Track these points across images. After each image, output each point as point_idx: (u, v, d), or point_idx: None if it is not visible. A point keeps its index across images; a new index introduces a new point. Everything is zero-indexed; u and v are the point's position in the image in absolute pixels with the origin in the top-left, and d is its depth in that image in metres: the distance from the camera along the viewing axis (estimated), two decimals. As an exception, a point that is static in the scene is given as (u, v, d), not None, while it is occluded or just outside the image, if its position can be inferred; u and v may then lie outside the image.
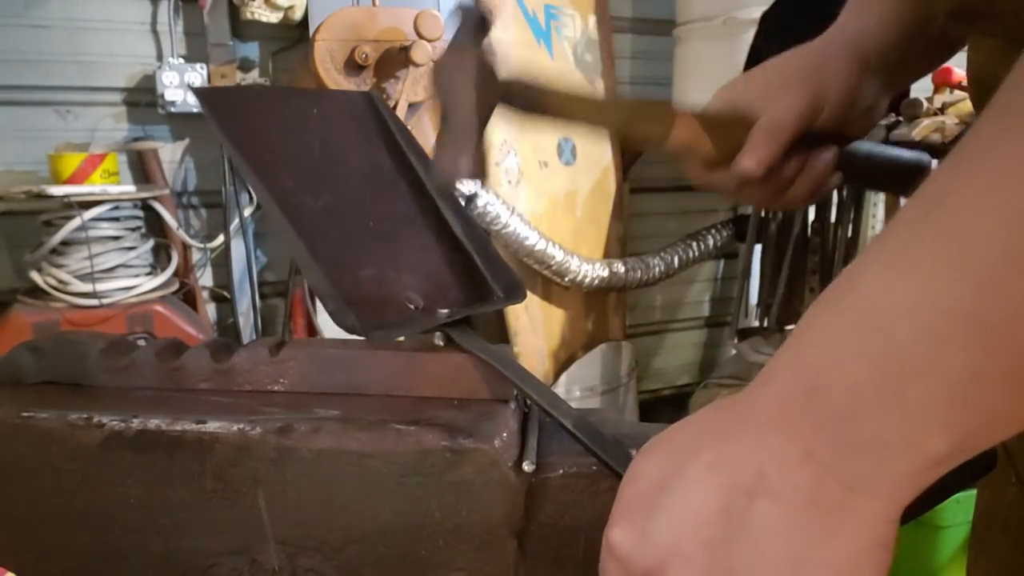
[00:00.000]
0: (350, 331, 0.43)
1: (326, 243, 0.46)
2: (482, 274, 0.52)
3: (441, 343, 0.48)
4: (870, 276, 0.28)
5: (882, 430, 0.26)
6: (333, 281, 0.44)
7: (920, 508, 0.30)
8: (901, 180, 0.60)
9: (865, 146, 0.57)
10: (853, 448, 0.27)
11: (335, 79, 1.62)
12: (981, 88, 0.46)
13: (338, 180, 0.49)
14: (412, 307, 0.47)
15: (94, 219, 1.70)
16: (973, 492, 0.57)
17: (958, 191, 0.26)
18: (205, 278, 2.09)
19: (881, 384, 0.26)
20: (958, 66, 1.82)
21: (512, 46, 2.02)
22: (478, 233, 0.54)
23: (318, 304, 2.09)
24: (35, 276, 1.72)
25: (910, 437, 0.26)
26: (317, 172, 0.49)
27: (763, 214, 2.10)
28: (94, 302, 1.71)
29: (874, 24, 0.53)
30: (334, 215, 0.47)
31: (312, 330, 2.07)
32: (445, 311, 0.48)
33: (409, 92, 1.64)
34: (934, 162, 0.57)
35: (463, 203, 1.81)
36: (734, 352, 2.39)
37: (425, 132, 1.78)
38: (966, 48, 0.49)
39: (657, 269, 2.32)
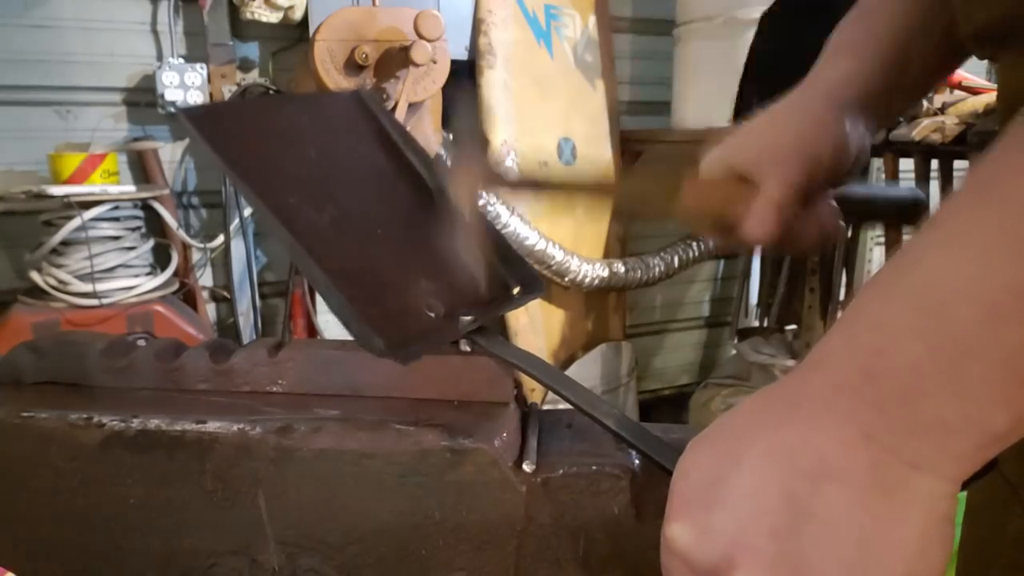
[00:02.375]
0: (378, 355, 0.42)
1: (339, 260, 0.44)
2: (497, 270, 0.51)
3: (468, 349, 0.47)
4: (927, 258, 0.28)
5: (943, 409, 0.27)
6: (353, 302, 0.42)
7: None
8: (899, 215, 0.64)
9: (861, 189, 0.59)
10: (914, 428, 0.27)
11: (335, 79, 1.62)
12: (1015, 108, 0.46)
13: (339, 189, 0.48)
14: (433, 315, 0.46)
15: (94, 219, 1.70)
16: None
17: (1014, 171, 0.26)
18: (205, 278, 2.09)
19: (941, 364, 0.26)
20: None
21: (512, 46, 2.03)
22: (488, 227, 0.52)
23: (318, 304, 2.09)
24: (35, 276, 1.72)
25: (971, 415, 0.27)
26: (318, 183, 0.47)
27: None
28: (94, 302, 1.71)
29: (856, 72, 0.53)
30: (341, 228, 0.46)
31: (312, 330, 2.08)
32: (468, 318, 0.47)
33: (409, 92, 1.64)
34: (930, 200, 0.61)
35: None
36: (734, 352, 2.39)
37: (425, 132, 1.78)
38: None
39: (657, 269, 2.32)
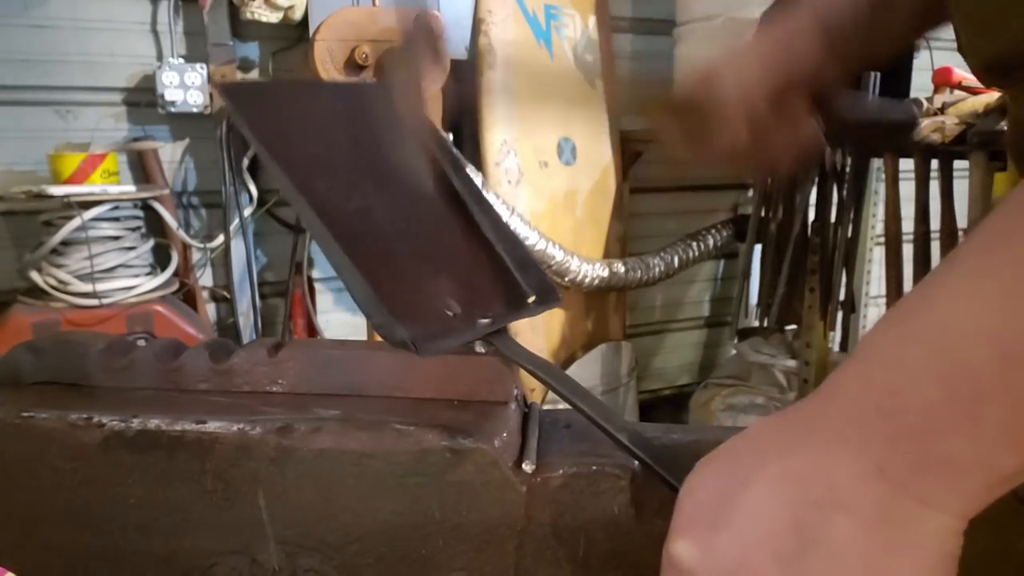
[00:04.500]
0: (399, 346, 0.41)
1: (363, 250, 0.43)
2: (513, 277, 0.51)
3: (483, 351, 0.47)
4: (943, 300, 0.28)
5: (955, 449, 0.27)
6: (377, 291, 0.42)
7: None
8: (886, 135, 0.60)
9: (849, 103, 0.57)
10: (926, 466, 0.28)
11: (335, 79, 1.62)
12: None
13: (367, 179, 0.47)
14: (451, 314, 0.45)
15: (94, 219, 1.70)
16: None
17: None
18: (205, 278, 2.09)
19: (955, 405, 0.27)
20: (958, 66, 1.82)
21: (512, 46, 2.02)
22: (508, 233, 0.52)
23: (318, 304, 2.09)
24: (35, 276, 1.72)
25: (983, 456, 0.27)
26: (347, 172, 0.47)
27: (763, 214, 2.10)
28: (94, 302, 1.71)
29: (841, 5, 0.53)
30: (367, 218, 0.45)
31: (312, 330, 2.07)
32: (486, 320, 0.46)
33: (409, 92, 1.64)
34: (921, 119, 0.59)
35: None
36: (734, 352, 2.39)
37: (425, 132, 1.78)
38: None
39: (657, 269, 2.32)
